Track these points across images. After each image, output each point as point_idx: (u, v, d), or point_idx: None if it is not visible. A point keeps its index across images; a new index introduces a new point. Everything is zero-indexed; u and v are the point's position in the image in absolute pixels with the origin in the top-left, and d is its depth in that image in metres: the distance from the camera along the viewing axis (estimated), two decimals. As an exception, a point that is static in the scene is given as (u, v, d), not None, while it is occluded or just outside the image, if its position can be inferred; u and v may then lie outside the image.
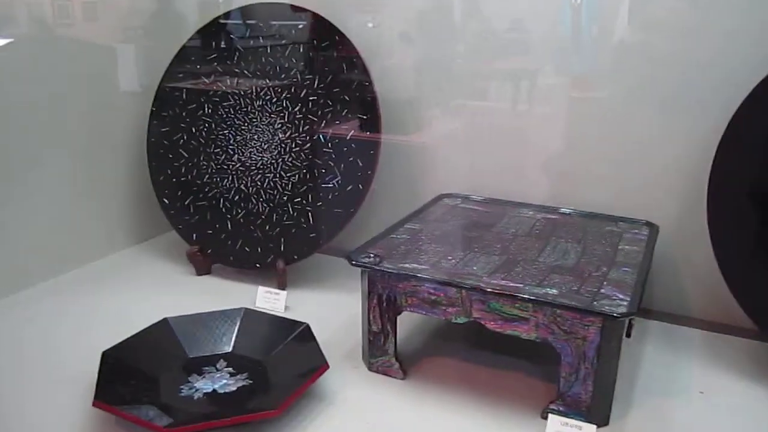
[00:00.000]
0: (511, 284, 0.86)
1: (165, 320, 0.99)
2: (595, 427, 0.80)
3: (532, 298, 0.82)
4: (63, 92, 1.25)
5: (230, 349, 0.98)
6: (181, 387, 0.90)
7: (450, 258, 0.95)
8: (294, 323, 0.99)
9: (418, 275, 0.88)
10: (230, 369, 0.94)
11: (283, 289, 1.21)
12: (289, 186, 1.23)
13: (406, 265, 0.91)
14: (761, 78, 0.96)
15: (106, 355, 0.90)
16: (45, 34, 1.23)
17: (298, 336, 0.97)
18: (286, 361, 0.93)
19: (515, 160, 1.24)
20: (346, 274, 1.25)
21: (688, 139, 1.09)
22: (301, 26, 1.26)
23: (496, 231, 1.06)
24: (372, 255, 0.94)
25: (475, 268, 0.91)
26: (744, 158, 0.98)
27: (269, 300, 1.15)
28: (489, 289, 0.84)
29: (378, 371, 0.96)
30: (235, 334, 1.00)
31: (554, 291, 0.84)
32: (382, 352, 0.95)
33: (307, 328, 0.97)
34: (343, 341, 1.03)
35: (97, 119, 1.33)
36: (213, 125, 1.30)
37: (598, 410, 0.83)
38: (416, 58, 1.30)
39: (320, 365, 0.89)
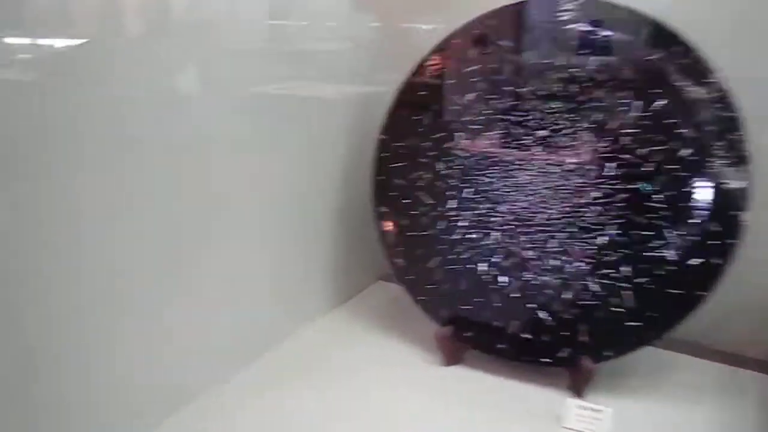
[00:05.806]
0: None
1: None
2: None
3: None
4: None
5: None
6: None
7: None
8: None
9: None
10: None
11: (580, 395, 0.87)
12: (591, 251, 0.89)
13: None
14: None
15: None
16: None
17: None
18: None
19: None
20: (671, 371, 0.92)
21: None
22: (611, 28, 0.91)
23: None
24: None
25: None
26: None
27: (585, 420, 0.81)
28: None
29: None
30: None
31: None
32: None
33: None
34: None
35: (303, 139, 1.00)
36: (469, 161, 0.96)
37: None
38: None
39: None
